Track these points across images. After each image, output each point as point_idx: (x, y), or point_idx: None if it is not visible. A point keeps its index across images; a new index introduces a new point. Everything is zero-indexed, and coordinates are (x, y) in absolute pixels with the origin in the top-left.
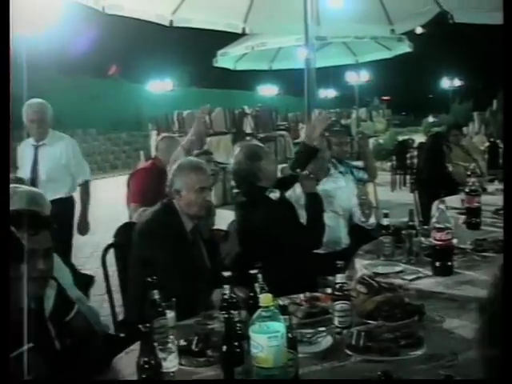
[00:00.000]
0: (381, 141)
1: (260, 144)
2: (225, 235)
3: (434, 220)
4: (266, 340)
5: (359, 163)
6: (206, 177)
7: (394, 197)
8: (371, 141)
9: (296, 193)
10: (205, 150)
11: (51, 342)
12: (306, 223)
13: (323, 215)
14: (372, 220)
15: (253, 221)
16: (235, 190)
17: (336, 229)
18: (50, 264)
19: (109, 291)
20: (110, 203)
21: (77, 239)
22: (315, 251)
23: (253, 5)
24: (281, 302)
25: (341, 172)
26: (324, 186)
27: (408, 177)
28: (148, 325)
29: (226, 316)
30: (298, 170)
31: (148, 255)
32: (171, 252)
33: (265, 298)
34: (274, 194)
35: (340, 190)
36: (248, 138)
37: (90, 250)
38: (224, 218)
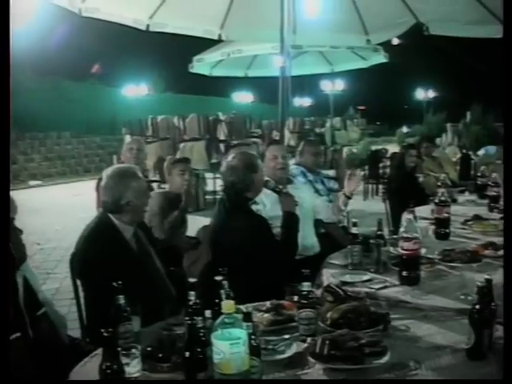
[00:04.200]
0: (354, 150)
1: (256, 155)
2: (196, 243)
3: (401, 230)
4: (227, 346)
5: (330, 172)
6: (141, 178)
7: (366, 206)
8: (345, 150)
9: (266, 208)
10: (184, 158)
11: (26, 328)
12: (280, 240)
13: (298, 235)
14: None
15: (231, 228)
16: (220, 195)
17: (306, 234)
18: None
19: (77, 296)
20: (83, 207)
21: (48, 243)
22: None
23: (230, 11)
24: (244, 309)
25: (310, 181)
26: None
27: (380, 186)
28: (111, 329)
29: (189, 322)
30: (281, 187)
31: (93, 272)
32: (116, 264)
33: (227, 305)
34: (256, 207)
35: (301, 198)
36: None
37: (61, 254)
38: (196, 224)
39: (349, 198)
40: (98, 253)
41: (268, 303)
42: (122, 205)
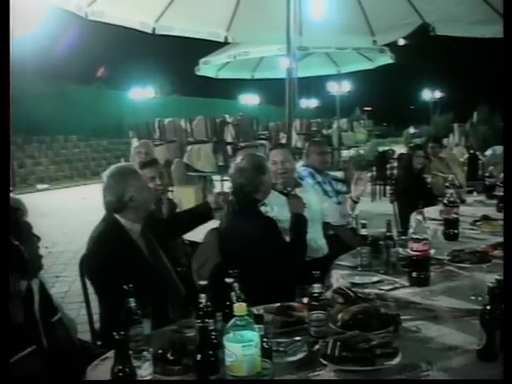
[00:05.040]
0: (361, 151)
1: (264, 156)
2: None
3: (411, 231)
4: (239, 349)
5: (338, 174)
6: (141, 174)
7: (374, 207)
8: (351, 151)
9: (274, 211)
10: (153, 160)
11: (40, 337)
12: (289, 242)
13: (306, 236)
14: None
15: (240, 230)
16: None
17: (315, 236)
18: None
19: (86, 299)
20: (90, 210)
21: (56, 247)
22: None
23: (236, 14)
24: (256, 311)
25: (318, 182)
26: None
27: (388, 187)
28: (123, 332)
29: (201, 325)
30: (289, 189)
31: (104, 273)
32: (125, 264)
33: (239, 307)
34: (265, 208)
35: (309, 201)
36: (229, 146)
37: (69, 257)
38: (204, 226)
39: (355, 202)
40: (107, 254)
41: (278, 305)
42: (126, 201)
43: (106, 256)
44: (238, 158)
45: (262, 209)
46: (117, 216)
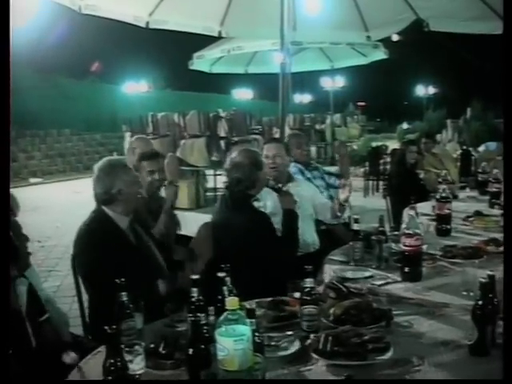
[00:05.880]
0: (354, 147)
1: (260, 152)
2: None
3: (403, 226)
4: (231, 343)
5: (332, 169)
6: (131, 168)
7: (367, 202)
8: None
9: (266, 206)
10: (155, 153)
11: (28, 338)
12: (281, 237)
13: (298, 231)
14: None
15: (234, 225)
16: (221, 192)
17: (307, 231)
18: None
19: (78, 293)
20: (83, 204)
21: (48, 241)
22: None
23: (230, 8)
24: (248, 306)
25: (308, 178)
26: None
27: (381, 182)
28: (114, 326)
29: (193, 319)
30: (280, 185)
31: (93, 265)
32: (115, 256)
33: (231, 302)
34: (258, 203)
35: (301, 196)
36: (222, 141)
37: (62, 251)
38: (197, 221)
39: (343, 205)
40: (94, 244)
41: (270, 299)
42: (114, 194)
43: (93, 246)
44: (234, 153)
45: (255, 204)
46: (104, 208)
